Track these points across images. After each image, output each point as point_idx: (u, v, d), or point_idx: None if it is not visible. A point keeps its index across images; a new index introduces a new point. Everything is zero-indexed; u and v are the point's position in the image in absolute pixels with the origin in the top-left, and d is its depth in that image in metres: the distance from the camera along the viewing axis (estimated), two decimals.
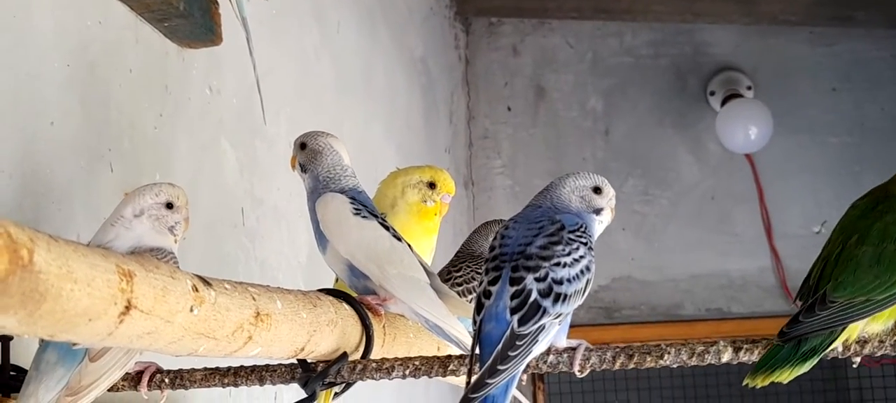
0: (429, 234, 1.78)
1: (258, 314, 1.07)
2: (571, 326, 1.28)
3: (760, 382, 1.20)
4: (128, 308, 0.86)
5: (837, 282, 1.18)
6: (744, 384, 1.22)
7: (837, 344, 1.19)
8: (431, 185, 1.80)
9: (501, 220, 2.00)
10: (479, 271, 1.86)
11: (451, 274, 1.87)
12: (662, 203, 4.06)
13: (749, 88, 4.00)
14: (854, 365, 1.25)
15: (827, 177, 3.94)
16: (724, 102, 3.94)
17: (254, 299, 1.07)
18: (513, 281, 1.21)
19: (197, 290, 0.96)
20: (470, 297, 1.82)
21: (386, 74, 3.21)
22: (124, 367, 1.24)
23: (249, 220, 2.20)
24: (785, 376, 1.19)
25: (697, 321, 4.02)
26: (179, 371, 1.31)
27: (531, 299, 1.20)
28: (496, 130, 4.15)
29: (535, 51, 4.17)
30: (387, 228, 1.44)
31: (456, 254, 1.98)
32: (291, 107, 2.44)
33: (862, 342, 1.19)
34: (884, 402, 4.22)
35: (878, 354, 1.19)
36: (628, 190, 4.06)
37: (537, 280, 1.21)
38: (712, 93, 4.02)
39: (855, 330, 1.18)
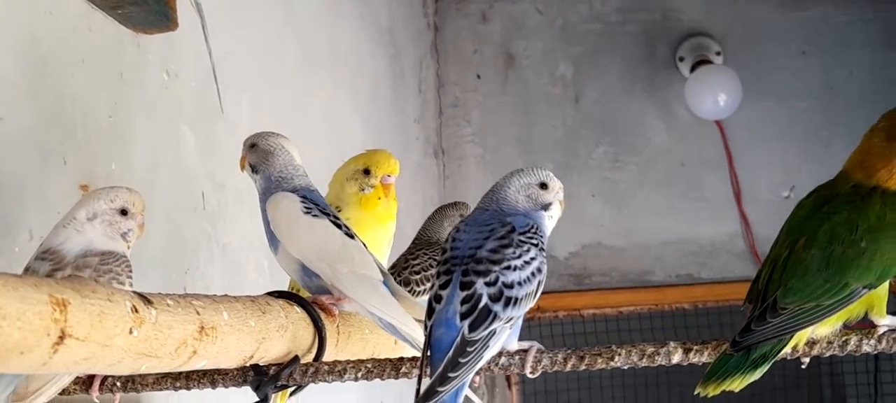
0: (381, 221, 1.76)
1: (202, 328, 1.06)
2: (543, 293, 1.27)
3: (712, 391, 1.20)
4: (62, 337, 0.85)
5: (787, 288, 1.17)
6: (695, 393, 1.21)
7: (787, 349, 1.18)
8: (366, 172, 1.77)
9: (456, 204, 2.00)
10: (436, 258, 1.84)
11: (408, 263, 1.85)
12: (632, 169, 4.05)
13: (718, 54, 3.98)
14: (803, 366, 1.25)
15: (796, 142, 3.94)
16: (693, 68, 3.93)
17: (198, 313, 1.06)
18: (463, 286, 1.20)
19: (137, 311, 0.95)
20: (424, 288, 1.80)
21: (352, 47, 3.18)
22: (74, 372, 1.23)
23: (210, 204, 2.19)
24: (736, 384, 1.19)
25: (668, 286, 4.03)
26: (131, 375, 1.31)
27: (482, 304, 1.19)
28: (466, 98, 4.13)
29: (504, 17, 4.14)
30: (339, 226, 1.43)
31: (413, 242, 1.96)
32: (253, 88, 2.41)
33: (810, 343, 1.19)
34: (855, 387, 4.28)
35: (827, 355, 1.19)
36: (598, 156, 4.05)
37: (487, 284, 1.20)
38: (682, 59, 4.01)
39: (804, 334, 1.18)
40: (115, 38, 1.86)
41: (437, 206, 2.13)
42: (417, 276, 1.82)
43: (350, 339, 1.42)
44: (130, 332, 0.93)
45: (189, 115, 2.11)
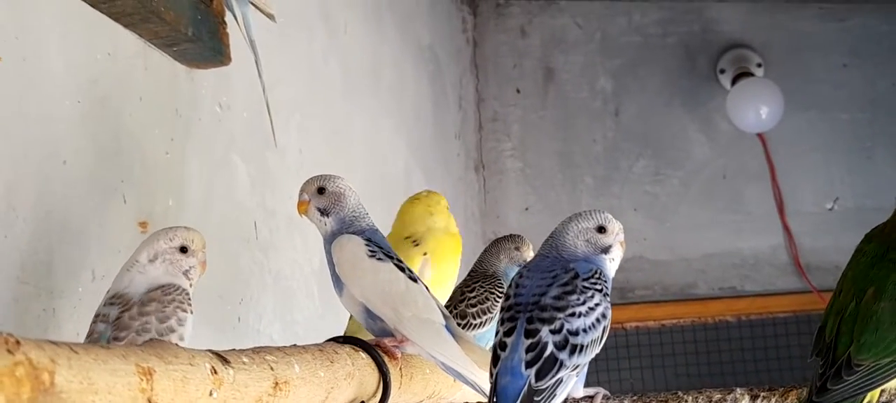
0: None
1: (277, 384, 1.07)
2: None
3: None
4: None
5: (860, 344, 1.16)
6: None
7: None
8: None
9: (512, 236, 2.00)
10: (493, 291, 1.84)
11: (464, 295, 1.86)
12: (673, 183, 4.05)
13: (759, 65, 3.97)
14: None
15: (838, 153, 3.92)
16: (734, 81, 3.91)
17: (271, 369, 1.07)
18: (528, 333, 1.21)
19: (216, 372, 0.97)
20: (481, 321, 1.80)
21: (394, 67, 3.20)
22: None
23: (262, 233, 2.21)
24: None
25: (710, 299, 4.03)
26: None
27: (547, 352, 1.20)
28: (505, 113, 4.14)
29: (543, 31, 4.15)
30: (403, 270, 1.44)
31: (469, 274, 1.96)
32: (301, 114, 2.43)
33: (881, 393, 1.19)
34: None
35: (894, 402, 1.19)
36: (639, 170, 4.05)
37: (553, 332, 1.21)
38: (722, 72, 4.00)
39: (878, 390, 1.17)
40: (170, 75, 1.88)
41: (493, 238, 2.14)
42: (474, 309, 1.83)
43: (412, 380, 1.43)
44: (210, 394, 0.95)
45: (241, 146, 2.13)
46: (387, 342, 1.40)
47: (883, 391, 1.18)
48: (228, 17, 1.94)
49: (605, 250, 1.33)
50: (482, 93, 4.14)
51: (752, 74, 3.91)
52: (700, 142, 4.04)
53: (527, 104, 4.13)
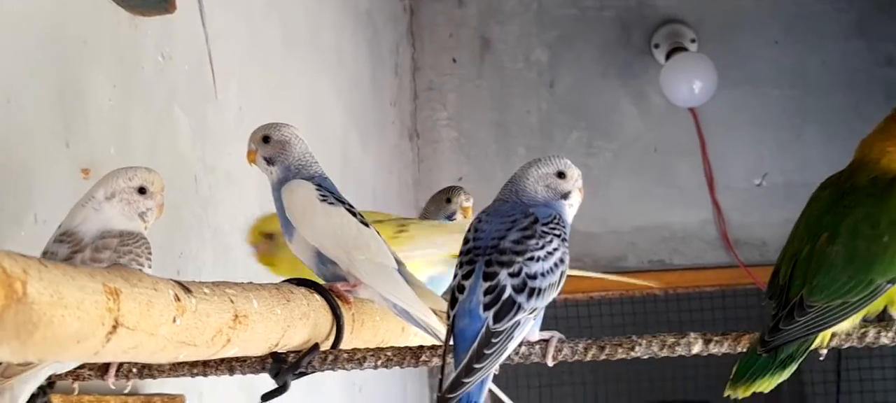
0: None
1: (236, 316, 1.06)
2: None
3: (742, 393, 1.20)
4: (115, 326, 0.85)
5: (812, 286, 1.18)
6: (725, 395, 1.22)
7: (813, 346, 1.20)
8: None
9: (452, 187, 2.01)
10: None
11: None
12: (606, 155, 4.08)
13: (693, 41, 4.01)
14: (820, 358, 1.26)
15: (769, 129, 3.98)
16: (668, 55, 3.95)
17: (232, 302, 1.06)
18: (486, 276, 1.21)
19: (179, 299, 0.95)
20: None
21: (332, 30, 3.18)
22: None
23: (202, 188, 2.18)
24: (765, 385, 1.19)
25: (640, 272, 4.06)
26: (147, 363, 1.30)
27: (506, 295, 1.20)
28: (441, 82, 4.13)
29: (480, 2, 4.15)
30: (354, 214, 1.43)
31: None
32: (241, 70, 2.41)
33: (831, 336, 1.21)
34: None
35: (845, 346, 1.21)
36: (572, 142, 4.07)
37: (511, 275, 1.21)
38: (657, 46, 4.03)
39: (829, 330, 1.19)
40: (114, 22, 1.85)
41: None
42: None
43: (363, 326, 1.43)
44: (174, 321, 0.93)
45: (182, 99, 2.11)
46: (340, 286, 1.39)
47: (835, 334, 1.21)
48: None
49: (565, 196, 1.35)
50: (418, 62, 4.14)
51: (685, 49, 3.95)
52: (633, 115, 4.08)
53: (462, 74, 4.13)
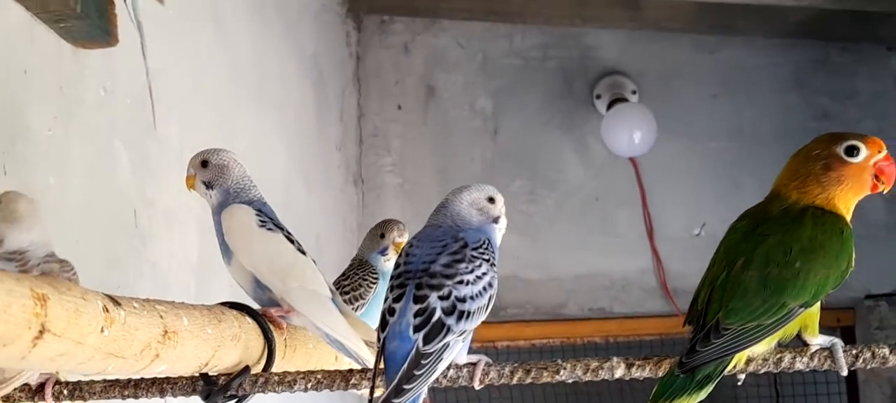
0: None
1: (166, 332, 1.07)
2: None
3: None
4: (42, 332, 0.86)
5: (728, 309, 1.23)
6: None
7: (729, 367, 1.24)
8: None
9: (387, 221, 2.04)
10: (366, 278, 1.89)
11: (340, 284, 1.89)
12: (548, 203, 4.12)
13: (634, 92, 4.09)
14: (739, 383, 1.30)
15: (707, 180, 4.05)
16: (610, 106, 4.02)
17: (161, 317, 1.07)
18: (417, 299, 1.24)
19: (107, 310, 0.97)
20: (355, 306, 1.84)
21: (279, 72, 3.20)
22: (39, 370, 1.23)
23: (142, 222, 2.19)
24: None
25: (580, 320, 4.11)
26: (78, 382, 1.31)
27: (435, 318, 1.22)
28: (386, 128, 4.17)
29: (426, 50, 4.20)
30: (292, 241, 1.45)
31: (350, 263, 2.00)
32: (185, 105, 2.42)
33: (748, 361, 1.25)
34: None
35: (762, 371, 1.25)
36: (515, 190, 4.12)
37: (441, 298, 1.24)
38: (598, 97, 4.10)
39: (744, 353, 1.23)
40: (56, 52, 1.86)
41: (362, 234, 2.17)
42: (347, 295, 1.86)
43: (295, 352, 1.44)
44: (102, 331, 0.95)
45: (123, 132, 2.11)
46: (273, 311, 1.40)
47: (750, 359, 1.25)
48: (117, 0, 1.93)
49: (495, 220, 1.38)
50: (364, 108, 4.17)
51: (626, 100, 4.02)
52: (575, 164, 4.13)
53: (407, 120, 4.17)
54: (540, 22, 4.11)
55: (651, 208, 4.08)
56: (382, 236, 1.98)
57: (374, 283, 1.90)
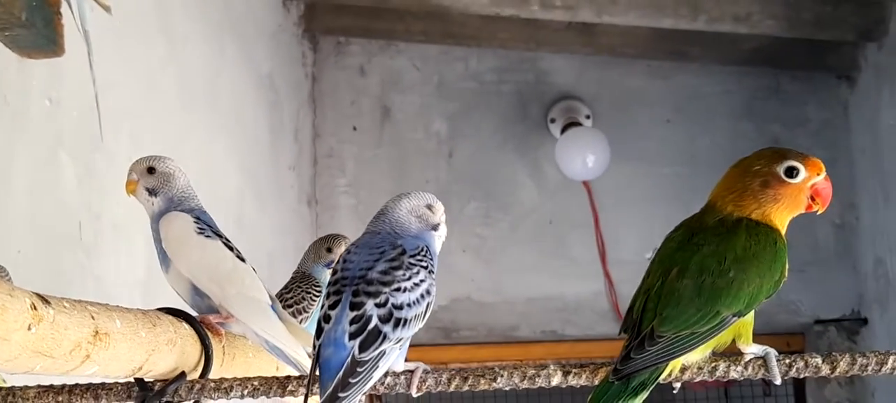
0: None
1: (97, 333, 1.07)
2: (410, 346, 1.31)
3: None
4: None
5: (663, 317, 1.24)
6: None
7: (664, 375, 1.25)
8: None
9: (333, 235, 2.03)
10: (309, 291, 1.88)
11: (282, 297, 1.88)
12: (502, 226, 4.14)
13: (588, 117, 4.12)
14: (674, 391, 1.31)
15: (660, 205, 4.08)
16: (563, 130, 4.04)
17: (93, 318, 1.07)
18: (353, 306, 1.23)
19: (35, 309, 0.96)
20: (299, 319, 1.83)
21: (232, 90, 3.20)
22: None
23: (87, 235, 2.17)
24: None
25: (533, 343, 4.11)
26: (12, 388, 1.29)
27: (372, 325, 1.22)
28: (341, 149, 4.17)
29: (382, 71, 4.21)
30: (231, 248, 1.45)
31: (291, 276, 1.99)
32: (134, 120, 2.41)
33: (683, 369, 1.26)
34: None
35: (697, 380, 1.26)
36: (470, 212, 4.13)
37: (377, 305, 1.23)
38: (553, 121, 4.13)
39: (679, 361, 1.24)
40: (1, 61, 1.85)
41: None
42: (291, 309, 1.86)
43: (234, 360, 1.44)
44: (29, 329, 0.94)
45: (69, 144, 2.10)
46: (211, 318, 1.40)
47: (685, 367, 1.26)
48: (64, 10, 1.92)
49: (435, 227, 1.38)
50: (319, 128, 4.17)
51: (580, 124, 4.05)
52: (529, 187, 4.15)
53: (362, 141, 4.17)
54: (495, 45, 4.14)
55: (604, 232, 4.10)
56: (329, 250, 1.97)
57: (318, 296, 1.89)
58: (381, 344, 1.22)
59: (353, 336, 1.22)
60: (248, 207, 3.29)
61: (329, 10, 4.05)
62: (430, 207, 1.38)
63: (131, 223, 2.34)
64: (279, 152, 3.71)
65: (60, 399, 1.30)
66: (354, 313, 1.23)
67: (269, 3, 3.71)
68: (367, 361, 1.21)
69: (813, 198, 1.33)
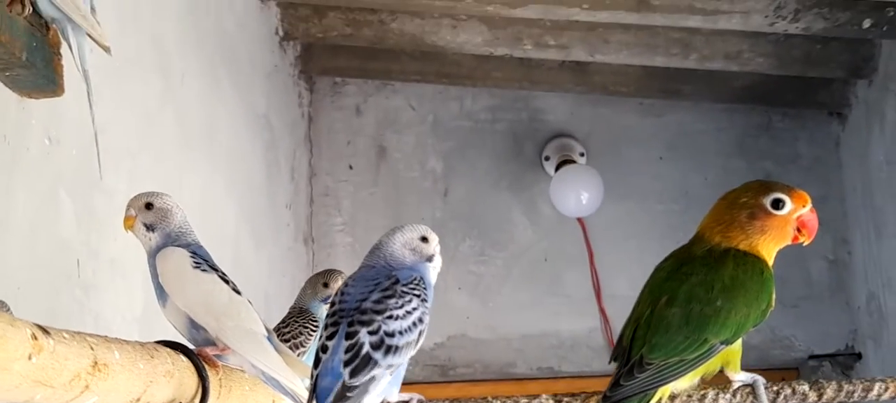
0: None
1: (96, 363, 1.09)
2: (406, 383, 1.33)
3: None
4: None
5: (652, 344, 1.26)
6: None
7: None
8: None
9: (330, 271, 2.06)
10: (306, 325, 1.91)
11: (280, 331, 1.91)
12: (497, 263, 4.16)
13: (582, 154, 4.15)
14: None
15: (653, 241, 4.09)
16: (558, 167, 4.08)
17: (92, 348, 1.09)
18: (348, 336, 1.26)
19: (36, 338, 0.98)
20: (297, 353, 1.85)
21: (229, 129, 3.23)
22: None
23: (85, 272, 2.19)
24: None
25: (529, 379, 4.12)
26: None
27: (363, 352, 1.25)
28: (337, 188, 4.20)
29: (377, 111, 4.25)
30: (227, 282, 1.47)
31: (288, 311, 2.02)
32: (133, 159, 2.44)
33: (672, 397, 1.28)
34: None
35: None
36: (465, 250, 4.15)
37: (370, 333, 1.26)
38: (547, 159, 4.16)
39: (667, 388, 1.27)
40: (1, 101, 1.87)
41: None
42: (288, 343, 1.88)
43: (231, 392, 1.46)
44: (29, 358, 0.96)
45: (68, 183, 2.12)
46: (208, 350, 1.42)
47: (674, 394, 1.28)
48: (64, 50, 1.95)
49: (429, 258, 1.41)
50: (315, 168, 4.20)
51: (574, 162, 4.08)
52: (524, 224, 4.18)
53: (359, 180, 4.20)
54: (490, 85, 4.18)
55: (599, 268, 4.12)
56: (326, 285, 2.00)
57: (315, 331, 1.91)
58: (371, 370, 1.25)
59: (346, 364, 1.24)
60: (244, 245, 3.31)
61: (325, 51, 4.09)
62: (424, 239, 1.41)
63: (129, 260, 2.36)
64: (276, 191, 3.74)
65: None
66: (349, 342, 1.26)
67: (265, 43, 3.75)
68: (357, 386, 1.23)
69: (799, 230, 1.36)
